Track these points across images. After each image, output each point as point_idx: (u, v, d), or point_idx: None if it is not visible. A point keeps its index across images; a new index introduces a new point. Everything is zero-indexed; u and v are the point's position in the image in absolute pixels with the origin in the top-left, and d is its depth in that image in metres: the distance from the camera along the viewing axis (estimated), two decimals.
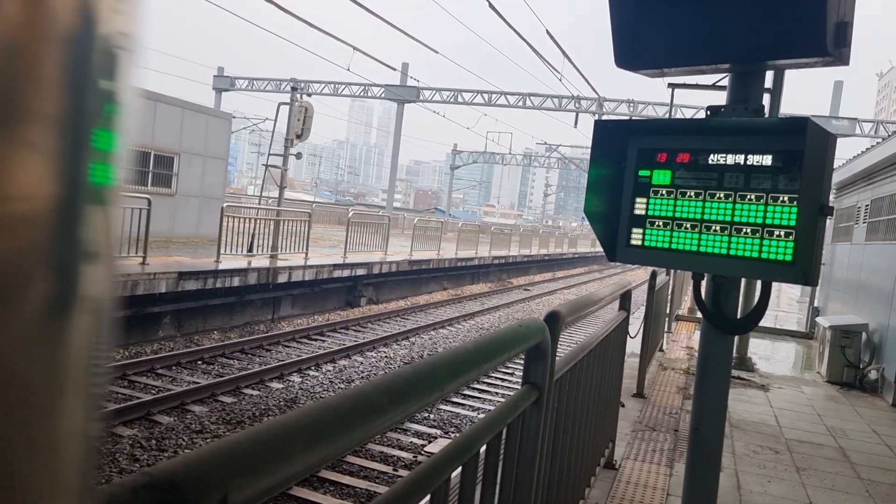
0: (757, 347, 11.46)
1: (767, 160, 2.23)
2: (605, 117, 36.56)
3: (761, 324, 2.66)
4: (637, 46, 2.53)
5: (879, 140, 11.03)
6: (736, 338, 2.94)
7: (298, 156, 16.74)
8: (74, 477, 0.49)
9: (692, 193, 2.39)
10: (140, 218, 11.93)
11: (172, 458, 0.67)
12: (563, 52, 25.90)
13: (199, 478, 0.67)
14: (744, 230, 2.26)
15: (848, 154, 13.51)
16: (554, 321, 2.32)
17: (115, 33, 0.48)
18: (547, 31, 23.31)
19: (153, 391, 9.08)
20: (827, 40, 2.07)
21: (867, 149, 11.56)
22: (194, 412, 8.44)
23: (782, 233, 2.18)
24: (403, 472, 7.15)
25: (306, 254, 16.60)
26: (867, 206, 11.52)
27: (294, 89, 17.06)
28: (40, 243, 0.43)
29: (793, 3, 2.14)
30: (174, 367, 10.38)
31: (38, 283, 0.44)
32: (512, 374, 11.86)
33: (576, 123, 41.32)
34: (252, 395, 9.38)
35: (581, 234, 64.49)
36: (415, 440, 8.22)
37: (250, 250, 15.15)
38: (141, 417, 8.00)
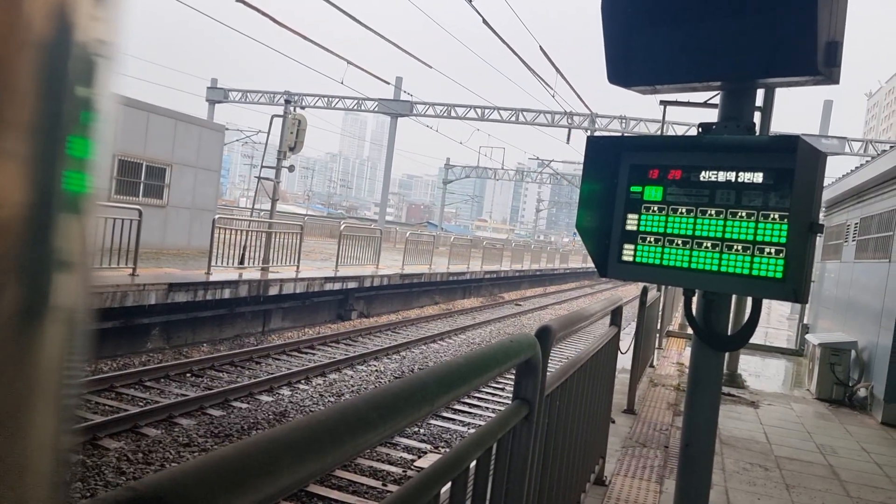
0: (747, 364, 11.48)
1: (758, 178, 2.24)
2: (597, 133, 36.76)
3: (751, 340, 2.66)
4: (629, 63, 2.54)
5: (868, 159, 11.14)
6: (726, 354, 2.95)
7: (291, 168, 16.74)
8: (45, 491, 0.48)
9: (683, 210, 2.40)
10: (130, 229, 11.87)
11: (159, 471, 0.66)
12: (556, 68, 26.06)
13: (184, 493, 0.66)
14: (735, 247, 2.27)
15: (837, 172, 13.63)
16: (545, 336, 2.32)
17: (93, 41, 0.48)
18: (540, 46, 23.47)
19: (141, 403, 9.00)
20: (817, 59, 2.09)
21: (856, 167, 11.66)
22: (182, 425, 8.37)
23: (773, 250, 2.19)
24: (393, 488, 7.10)
25: (297, 266, 16.56)
26: (856, 224, 11.60)
27: (287, 102, 17.09)
28: (11, 251, 0.43)
29: (784, 22, 2.16)
30: (162, 380, 10.30)
31: (9, 291, 0.43)
32: (502, 389, 11.83)
33: (568, 139, 41.53)
34: (241, 409, 9.31)
35: (573, 250, 64.61)
36: (404, 455, 8.17)
37: (241, 262, 15.10)
38: (128, 430, 7.92)
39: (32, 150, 0.44)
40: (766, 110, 7.54)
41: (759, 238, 2.22)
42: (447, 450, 6.45)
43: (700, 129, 2.51)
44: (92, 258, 0.51)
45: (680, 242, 2.41)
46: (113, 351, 11.32)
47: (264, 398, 9.94)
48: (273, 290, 14.74)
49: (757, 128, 2.50)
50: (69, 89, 0.46)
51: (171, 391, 9.78)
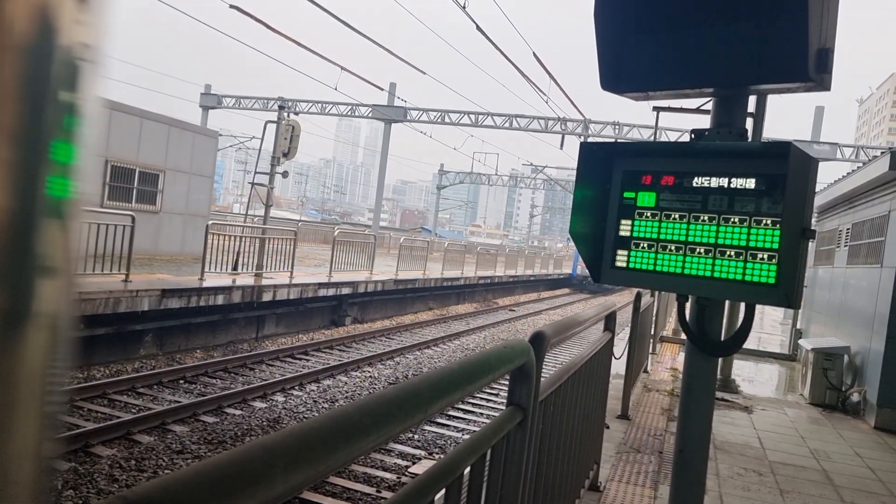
0: (740, 369, 11.50)
1: (751, 183, 2.25)
2: (590, 139, 36.83)
3: (745, 346, 2.67)
4: (622, 70, 2.55)
5: (860, 165, 11.19)
6: (720, 359, 2.95)
7: (285, 174, 16.73)
8: (28, 499, 0.48)
9: (677, 216, 2.41)
10: (123, 234, 11.83)
11: (152, 479, 0.66)
12: (550, 75, 26.14)
13: (177, 501, 0.65)
14: (728, 253, 2.28)
15: (829, 178, 13.69)
16: (539, 342, 2.32)
17: (78, 45, 0.47)
18: (534, 53, 23.54)
19: (134, 410, 8.96)
20: (809, 66, 2.11)
21: (848, 173, 11.72)
22: (175, 432, 8.33)
23: (765, 256, 2.20)
24: (387, 494, 7.07)
25: (291, 272, 16.53)
26: (848, 229, 11.65)
27: (281, 108, 17.09)
28: None
29: (776, 29, 2.17)
30: (155, 386, 10.26)
31: None
32: (497, 395, 11.82)
33: (562, 145, 41.62)
34: (234, 415, 9.28)
35: (566, 255, 64.70)
36: (398, 461, 8.15)
37: (235, 268, 15.07)
38: (121, 437, 7.88)
39: (15, 155, 0.43)
40: (758, 116, 7.57)
41: (751, 244, 2.23)
42: (441, 456, 6.44)
43: (693, 135, 2.52)
44: (76, 264, 0.51)
45: (673, 248, 2.41)
46: (105, 357, 11.27)
47: (258, 404, 9.91)
48: (267, 296, 14.70)
49: (749, 134, 2.51)
50: (53, 94, 0.46)
51: (165, 398, 9.73)
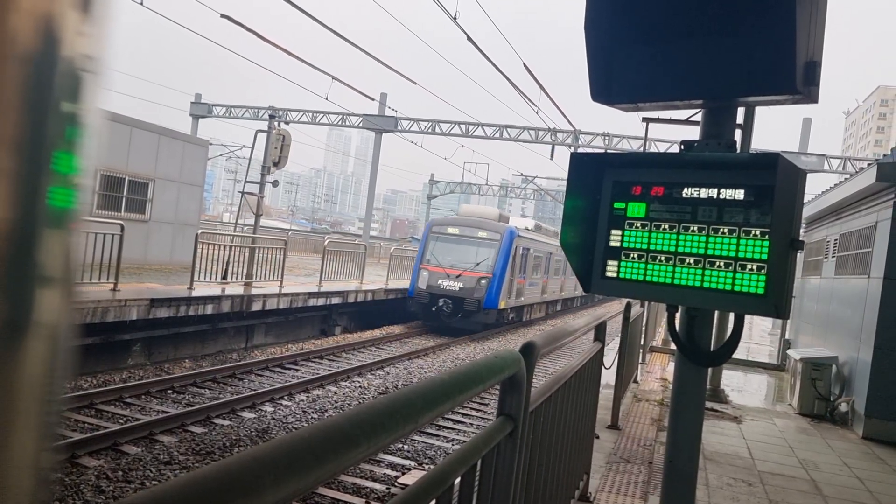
0: (730, 379, 11.54)
1: (740, 194, 2.26)
2: (580, 150, 36.92)
3: (734, 356, 2.68)
4: (612, 81, 2.57)
5: (847, 176, 11.29)
6: (709, 369, 2.96)
7: (275, 183, 16.72)
8: None
9: (666, 226, 2.42)
10: (112, 244, 11.76)
11: (139, 490, 0.65)
12: (540, 85, 26.26)
13: None
14: (717, 263, 2.29)
15: (817, 189, 13.80)
16: (529, 352, 2.32)
17: (80, 56, 0.48)
18: (524, 64, 23.65)
19: (121, 421, 8.88)
20: (796, 78, 2.13)
21: (836, 185, 11.82)
22: (163, 442, 8.26)
23: (754, 266, 2.21)
24: None
25: (281, 282, 16.47)
26: (836, 240, 11.74)
27: (272, 117, 17.08)
28: None
29: (764, 42, 2.19)
30: (143, 396, 10.17)
31: None
32: (487, 405, 11.80)
33: (552, 155, 41.74)
34: (223, 426, 9.21)
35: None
36: (388, 472, 8.11)
37: (224, 278, 15.00)
38: (108, 448, 7.81)
39: (18, 165, 0.43)
40: (747, 128, 7.63)
41: (740, 254, 2.25)
42: (431, 467, 6.42)
43: (682, 146, 2.54)
44: (76, 274, 0.51)
45: (663, 258, 2.42)
46: (93, 367, 11.17)
47: (247, 415, 9.85)
48: (256, 306, 14.64)
49: (738, 145, 2.53)
50: (55, 105, 0.46)
51: (152, 408, 9.65)
